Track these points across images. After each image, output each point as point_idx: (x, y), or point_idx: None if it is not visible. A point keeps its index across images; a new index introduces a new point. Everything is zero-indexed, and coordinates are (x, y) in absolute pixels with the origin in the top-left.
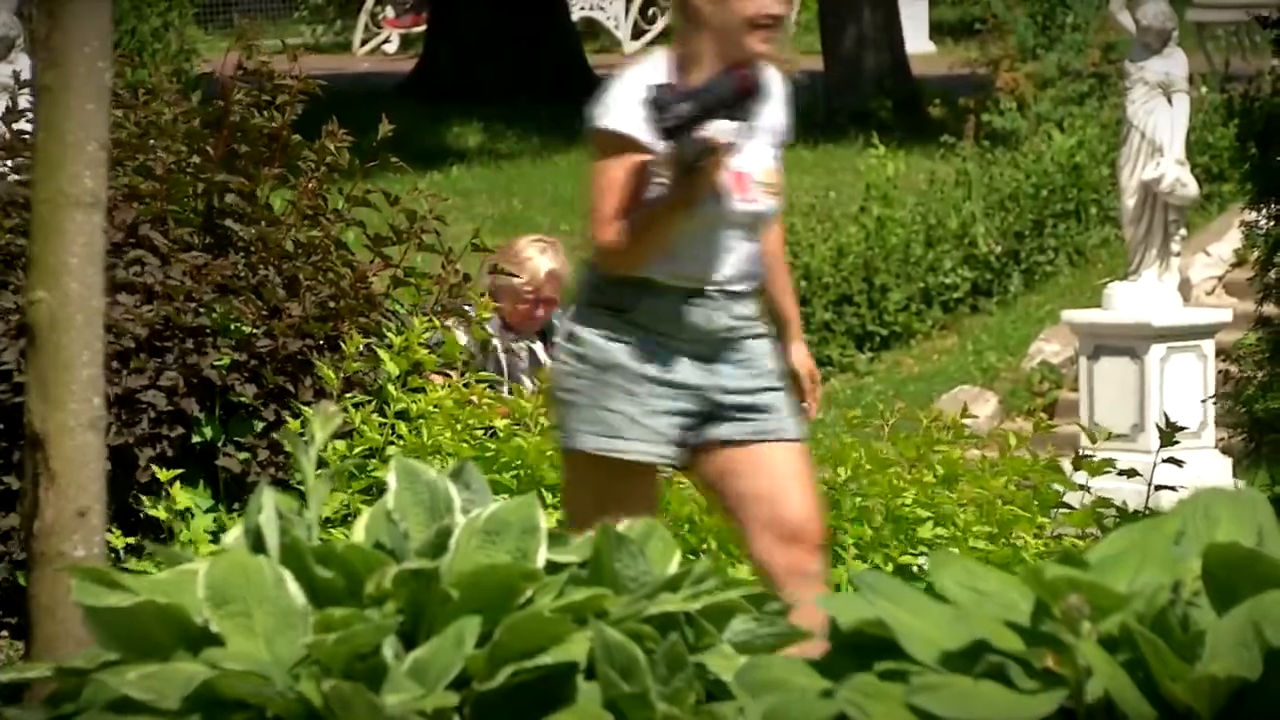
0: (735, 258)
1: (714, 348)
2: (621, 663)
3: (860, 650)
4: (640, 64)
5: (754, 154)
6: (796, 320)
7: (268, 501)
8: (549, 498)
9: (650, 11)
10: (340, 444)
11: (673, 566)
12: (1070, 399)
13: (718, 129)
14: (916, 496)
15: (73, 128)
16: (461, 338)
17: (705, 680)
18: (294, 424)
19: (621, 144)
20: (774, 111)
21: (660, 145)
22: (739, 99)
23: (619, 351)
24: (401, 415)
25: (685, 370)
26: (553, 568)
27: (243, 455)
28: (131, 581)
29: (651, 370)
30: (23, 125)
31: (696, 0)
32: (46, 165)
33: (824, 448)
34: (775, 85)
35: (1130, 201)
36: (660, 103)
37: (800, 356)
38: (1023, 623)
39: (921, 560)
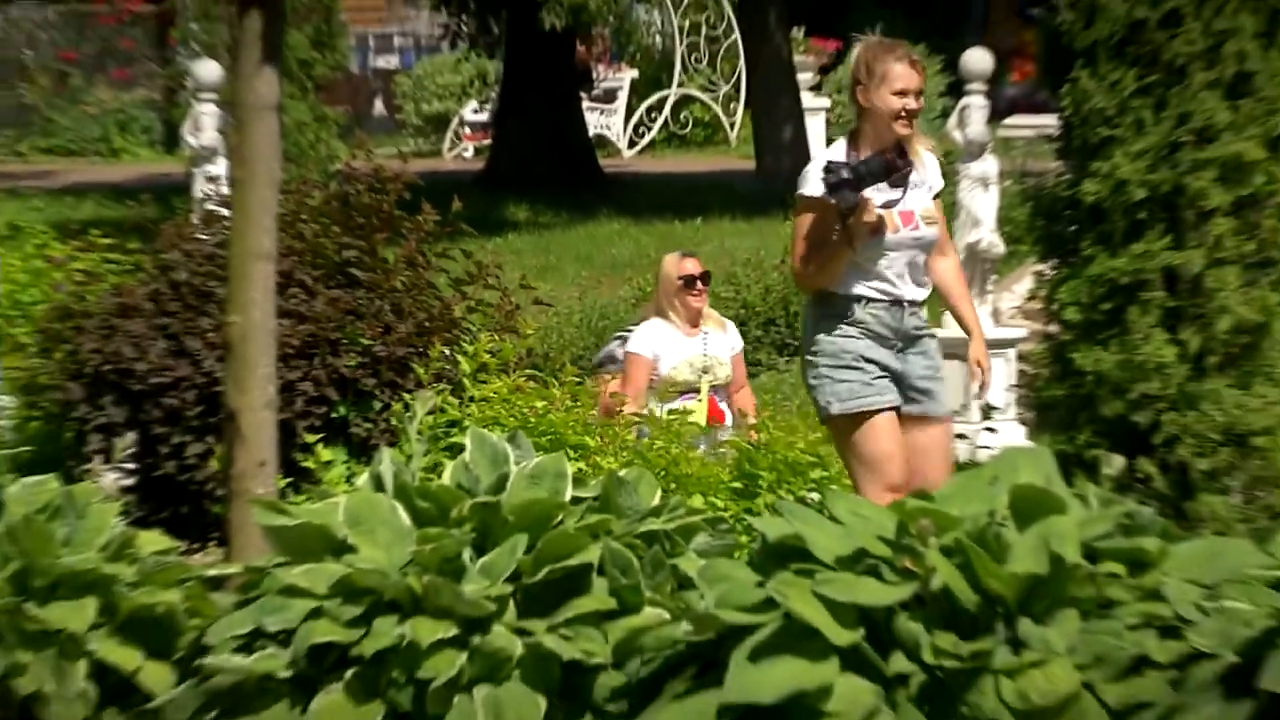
0: (914, 275)
1: (905, 343)
2: (622, 564)
3: (782, 555)
4: (828, 148)
5: (917, 199)
6: (976, 322)
7: (385, 457)
8: (571, 454)
9: (640, 130)
10: (430, 418)
11: (655, 500)
12: None
13: (869, 193)
14: (804, 449)
15: (254, 206)
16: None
17: (677, 576)
18: (399, 406)
19: (810, 204)
20: (930, 171)
21: (831, 193)
22: (885, 171)
23: (845, 343)
24: (472, 399)
25: (887, 358)
26: (575, 501)
27: (367, 426)
28: (294, 509)
29: (868, 355)
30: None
31: (861, 98)
32: (238, 232)
33: (765, 420)
34: (929, 158)
35: (961, 257)
36: (831, 172)
37: (977, 349)
38: (890, 538)
39: (813, 495)
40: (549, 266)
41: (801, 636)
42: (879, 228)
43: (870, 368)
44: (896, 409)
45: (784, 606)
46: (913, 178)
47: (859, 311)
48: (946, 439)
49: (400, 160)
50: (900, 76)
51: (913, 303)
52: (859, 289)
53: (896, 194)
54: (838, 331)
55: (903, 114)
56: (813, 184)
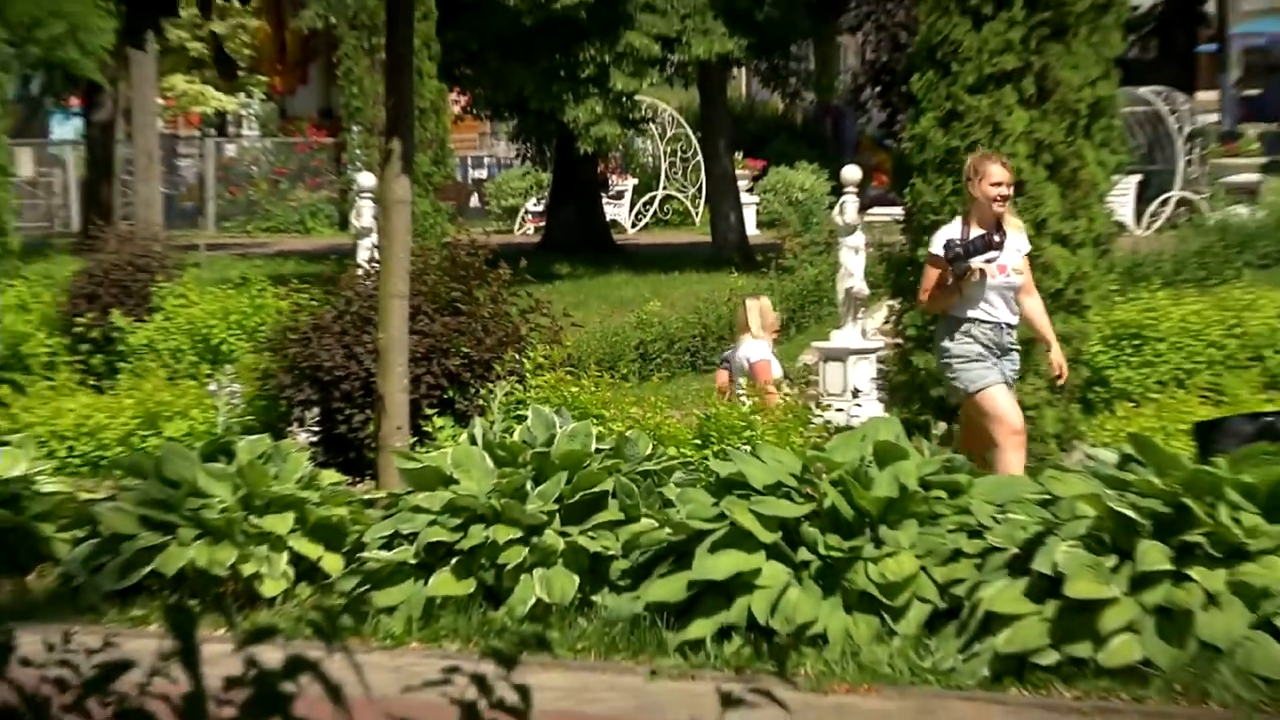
0: (1008, 306)
1: (1002, 352)
2: (627, 491)
3: (728, 485)
4: (948, 224)
5: (1009, 256)
6: (1053, 339)
7: (477, 424)
8: (595, 422)
9: (639, 216)
10: (505, 399)
11: (648, 450)
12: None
13: (975, 259)
14: (734, 419)
15: (395, 265)
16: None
17: (662, 499)
18: (486, 391)
19: (935, 261)
20: (1019, 239)
21: (949, 263)
22: (984, 246)
23: (967, 347)
24: (531, 387)
25: (995, 360)
26: (598, 451)
27: (465, 404)
28: (419, 457)
29: (982, 353)
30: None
31: (970, 190)
32: (384, 280)
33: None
34: (1017, 231)
35: (840, 296)
36: (948, 245)
37: (1056, 356)
38: (797, 474)
39: (745, 447)
40: (580, 303)
41: (741, 537)
42: (980, 278)
43: (987, 359)
44: (1006, 383)
45: (730, 518)
46: (1006, 242)
47: (973, 329)
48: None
49: (486, 236)
50: (996, 174)
51: (1008, 325)
52: (972, 313)
53: (995, 254)
54: (960, 340)
55: (998, 199)
56: (936, 246)
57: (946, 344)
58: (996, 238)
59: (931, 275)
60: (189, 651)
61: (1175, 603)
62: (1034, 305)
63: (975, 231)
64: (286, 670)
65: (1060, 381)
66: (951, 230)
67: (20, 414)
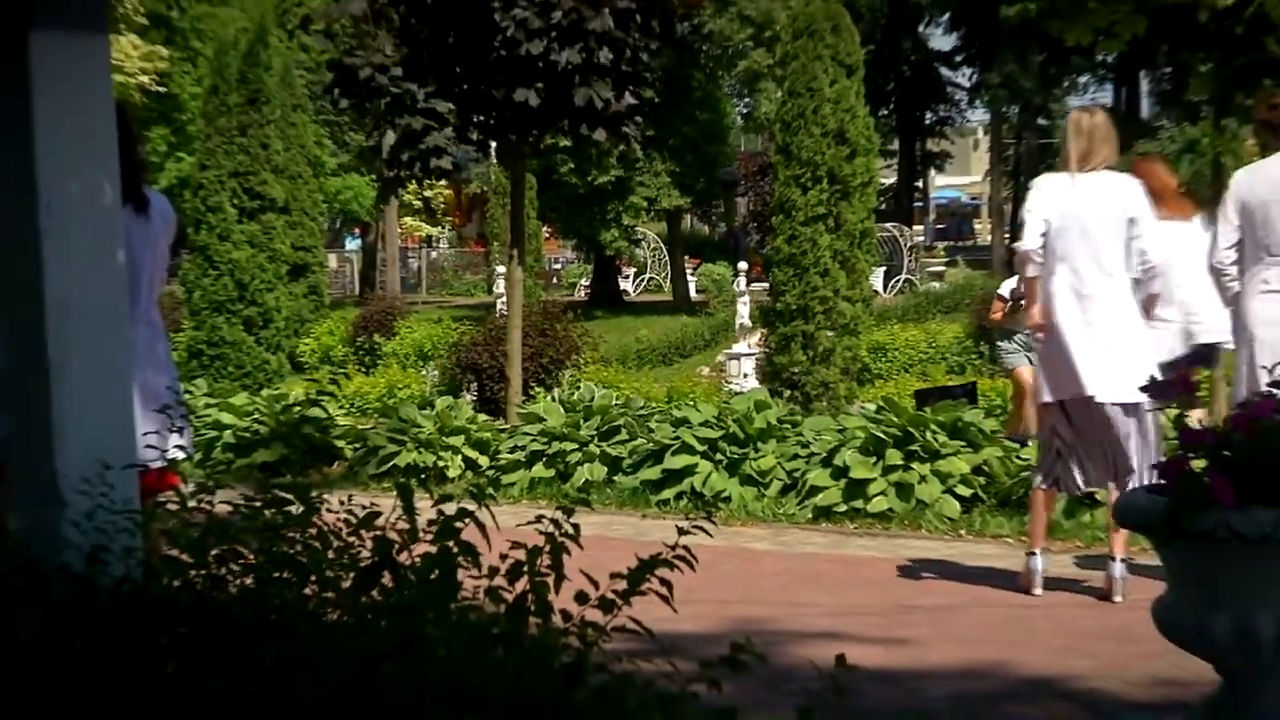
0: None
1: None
2: (629, 424)
3: (682, 421)
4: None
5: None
6: None
7: (555, 392)
8: (615, 391)
9: (637, 285)
10: (569, 380)
11: (641, 404)
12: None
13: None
14: (686, 389)
15: (514, 311)
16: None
17: (649, 428)
18: (561, 375)
19: (1000, 298)
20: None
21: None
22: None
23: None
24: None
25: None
26: (615, 404)
27: (550, 381)
28: (527, 407)
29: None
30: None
31: None
32: (510, 318)
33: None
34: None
35: (737, 328)
36: (1012, 292)
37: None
38: (716, 416)
39: (690, 401)
40: (606, 331)
41: (687, 448)
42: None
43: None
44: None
45: (681, 439)
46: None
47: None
48: None
49: (559, 299)
50: None
51: None
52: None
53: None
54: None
55: None
56: (1004, 290)
57: (1002, 343)
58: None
59: (998, 305)
60: (409, 507)
61: (904, 480)
62: None
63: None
64: (457, 515)
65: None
66: (1011, 284)
67: (364, 389)
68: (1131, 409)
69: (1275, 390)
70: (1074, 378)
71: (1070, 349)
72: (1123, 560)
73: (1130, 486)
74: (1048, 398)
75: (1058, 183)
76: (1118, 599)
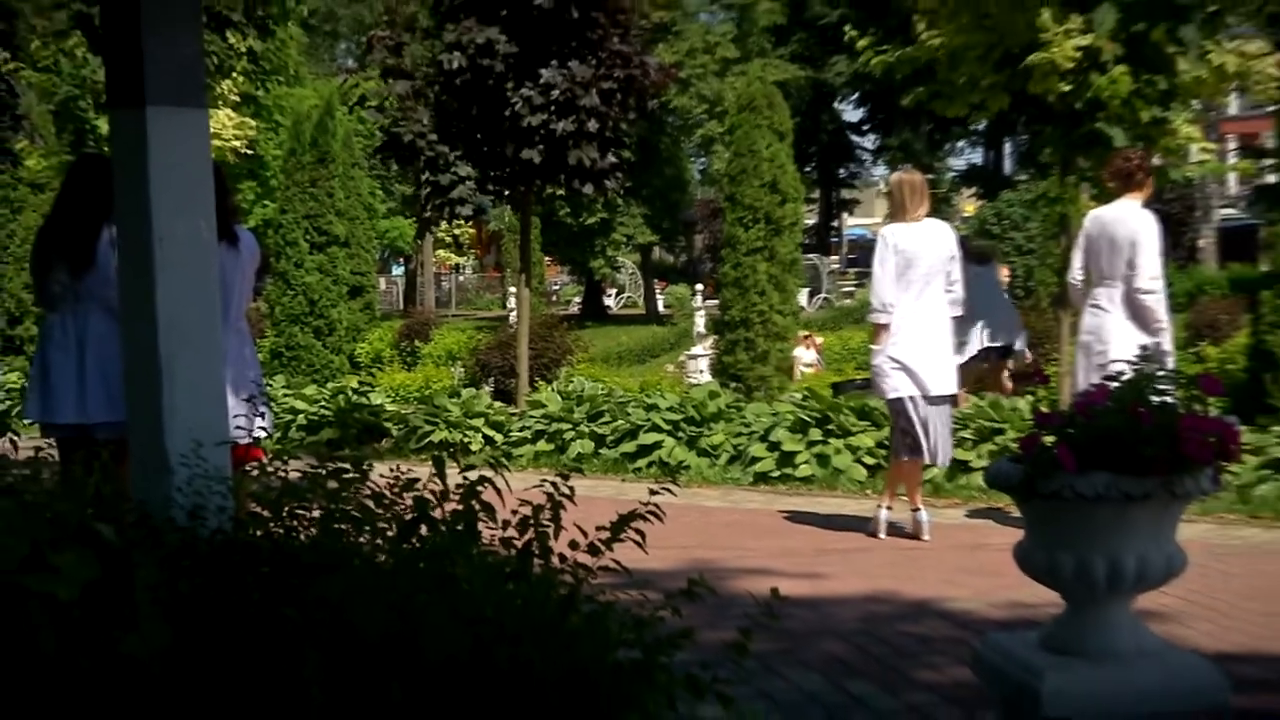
0: None
1: None
2: (612, 408)
3: (652, 406)
4: None
5: None
6: None
7: (554, 384)
8: (600, 384)
9: (619, 301)
10: (564, 375)
11: (620, 393)
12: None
13: None
14: (646, 384)
15: (523, 321)
16: None
17: (626, 412)
18: (558, 372)
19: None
20: None
21: None
22: None
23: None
24: (573, 369)
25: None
26: (601, 393)
27: (549, 375)
28: (532, 396)
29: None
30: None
31: None
32: (519, 327)
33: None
34: None
35: (695, 334)
36: None
37: None
38: (679, 402)
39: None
40: (594, 338)
41: (656, 427)
42: None
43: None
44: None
45: (652, 420)
46: None
47: None
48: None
49: (557, 313)
50: None
51: None
52: None
53: None
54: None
55: None
56: None
57: None
58: None
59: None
60: (441, 474)
61: (823, 452)
62: None
63: None
64: (478, 480)
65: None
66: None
67: (382, 379)
68: (949, 399)
69: (1107, 383)
70: (918, 379)
71: (914, 359)
72: (922, 508)
73: (943, 455)
74: (897, 394)
75: (899, 232)
76: (926, 538)
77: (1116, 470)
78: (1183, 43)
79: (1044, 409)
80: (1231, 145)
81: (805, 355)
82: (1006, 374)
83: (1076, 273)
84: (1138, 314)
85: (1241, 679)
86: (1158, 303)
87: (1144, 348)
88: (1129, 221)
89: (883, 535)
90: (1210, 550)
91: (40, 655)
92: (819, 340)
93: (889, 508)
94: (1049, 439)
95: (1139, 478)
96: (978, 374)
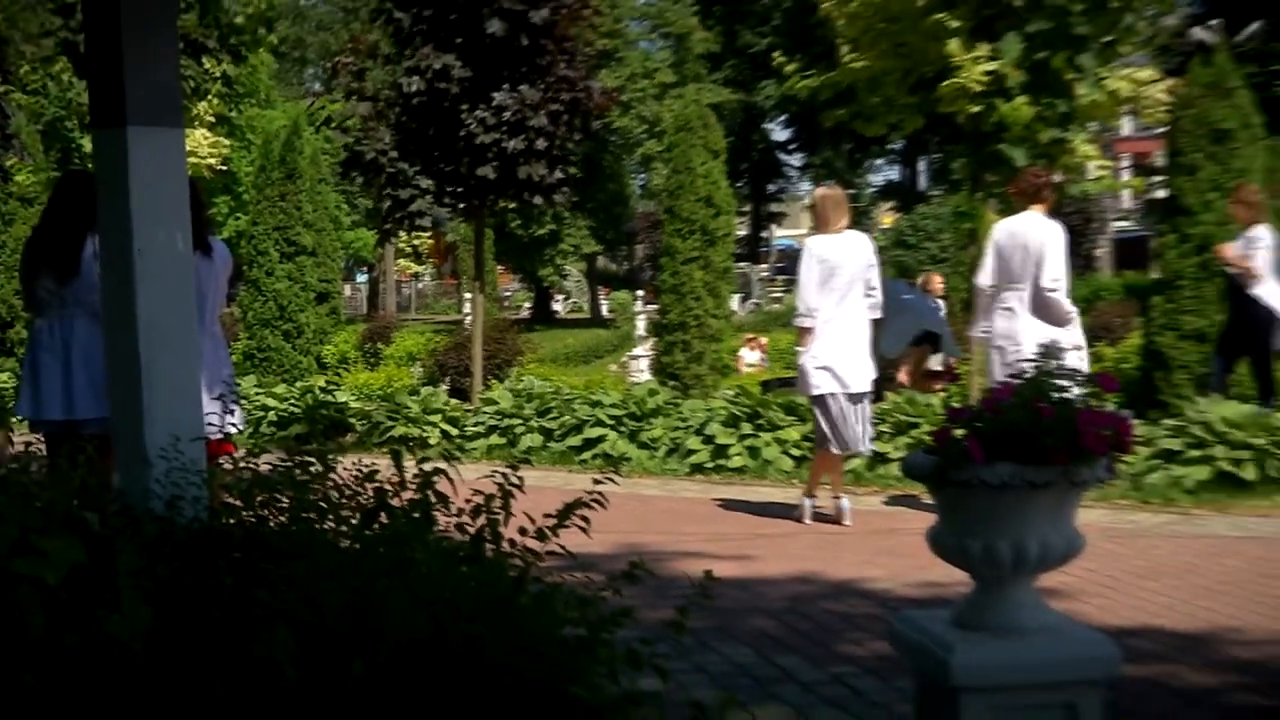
0: None
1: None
2: (559, 405)
3: (596, 403)
4: None
5: None
6: None
7: (503, 385)
8: (548, 382)
9: (566, 308)
10: (515, 375)
11: (566, 390)
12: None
13: None
14: (591, 383)
15: (478, 324)
16: None
17: (572, 408)
18: (509, 371)
19: None
20: None
21: None
22: None
23: None
24: (523, 369)
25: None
26: (549, 391)
27: (502, 374)
28: (486, 394)
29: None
30: None
31: None
32: (474, 330)
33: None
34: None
35: (636, 337)
36: None
37: None
38: (621, 399)
39: (601, 389)
40: (543, 340)
41: (600, 421)
42: None
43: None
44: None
45: (595, 415)
46: None
47: None
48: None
49: (509, 316)
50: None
51: None
52: None
53: None
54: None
55: None
56: None
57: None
58: None
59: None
60: (399, 466)
61: (754, 444)
62: None
63: None
64: (434, 471)
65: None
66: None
67: (347, 379)
68: (868, 395)
69: (1013, 380)
70: (839, 377)
71: (835, 359)
72: (843, 496)
73: (863, 446)
74: (820, 391)
75: (822, 243)
76: (847, 523)
77: (1020, 460)
78: (1080, 70)
79: (955, 405)
80: (1125, 163)
81: (750, 355)
82: (926, 366)
83: (987, 277)
84: (1046, 311)
85: (1133, 651)
86: (1062, 298)
87: (1046, 345)
88: (1039, 230)
89: (808, 521)
90: (1106, 533)
91: (29, 635)
92: (764, 341)
93: (813, 496)
94: (959, 432)
95: (1041, 467)
96: (916, 357)
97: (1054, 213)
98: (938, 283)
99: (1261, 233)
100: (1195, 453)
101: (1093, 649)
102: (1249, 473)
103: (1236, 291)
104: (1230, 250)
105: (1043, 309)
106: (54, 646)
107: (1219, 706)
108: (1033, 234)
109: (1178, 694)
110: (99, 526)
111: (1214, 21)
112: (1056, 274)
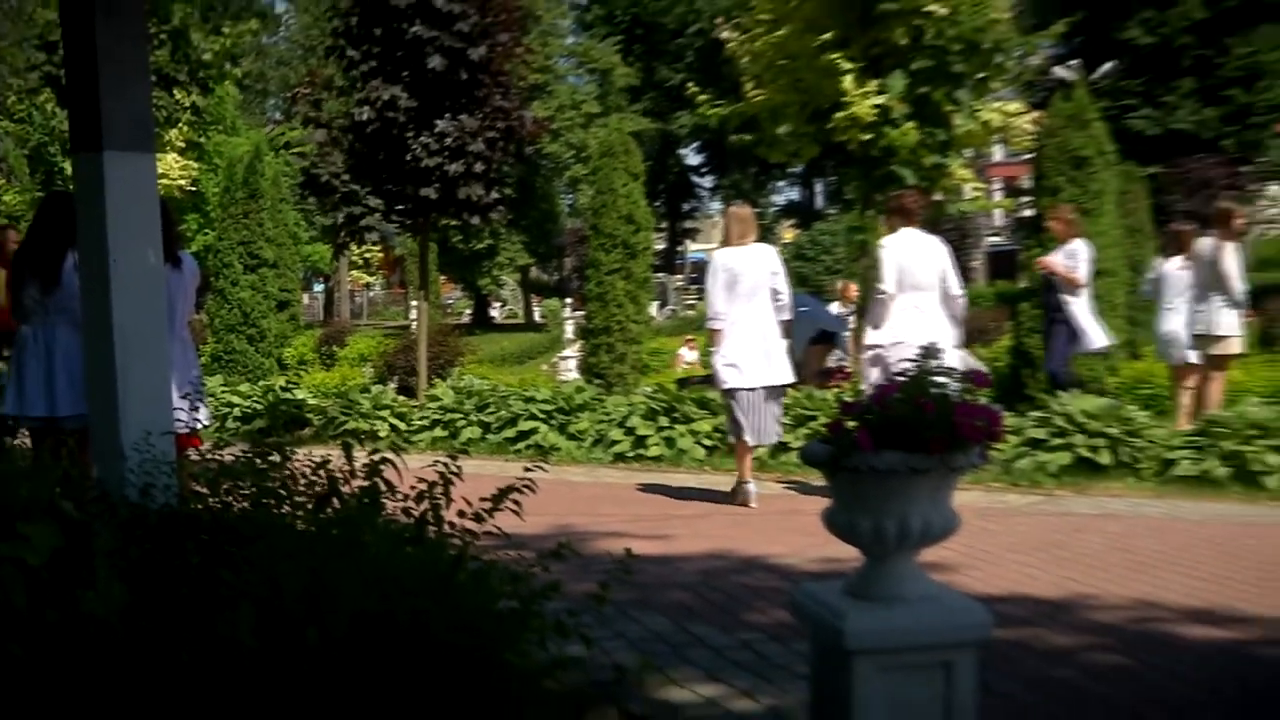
0: None
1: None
2: (495, 401)
3: (530, 399)
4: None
5: None
6: None
7: (446, 383)
8: (486, 380)
9: (501, 314)
10: (458, 374)
11: (502, 388)
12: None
13: None
14: (525, 381)
15: (422, 328)
16: None
17: (508, 404)
18: (451, 370)
19: None
20: None
21: None
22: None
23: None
24: (464, 369)
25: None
26: (488, 389)
27: (445, 373)
28: (430, 391)
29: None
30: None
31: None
32: (419, 333)
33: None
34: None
35: (565, 339)
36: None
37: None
38: (551, 395)
39: (534, 388)
40: (482, 344)
41: (533, 415)
42: None
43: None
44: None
45: (529, 410)
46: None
47: None
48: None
49: (451, 323)
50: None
51: None
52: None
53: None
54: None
55: None
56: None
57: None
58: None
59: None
60: (349, 456)
61: (671, 435)
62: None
63: None
64: (382, 461)
65: None
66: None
67: (305, 379)
68: (780, 389)
69: (897, 378)
70: (747, 374)
71: (743, 358)
72: (751, 481)
73: (772, 436)
74: (729, 386)
75: (727, 254)
76: (754, 505)
77: (905, 449)
78: (958, 103)
79: (847, 399)
80: (997, 186)
81: (688, 355)
82: (824, 359)
83: (889, 286)
84: (950, 313)
85: (1004, 616)
86: (964, 301)
87: (926, 347)
88: (931, 245)
89: (754, 505)
90: (980, 512)
91: (13, 611)
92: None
93: (747, 480)
94: (851, 424)
95: (923, 455)
96: (815, 355)
97: (930, 229)
98: (853, 290)
99: (1079, 246)
100: (1058, 440)
101: (968, 615)
102: (1104, 458)
103: (1052, 296)
104: (1055, 262)
105: (948, 310)
106: (36, 622)
107: (1079, 664)
108: (928, 248)
109: (1043, 654)
110: (76, 513)
111: (1074, 61)
112: (959, 281)
